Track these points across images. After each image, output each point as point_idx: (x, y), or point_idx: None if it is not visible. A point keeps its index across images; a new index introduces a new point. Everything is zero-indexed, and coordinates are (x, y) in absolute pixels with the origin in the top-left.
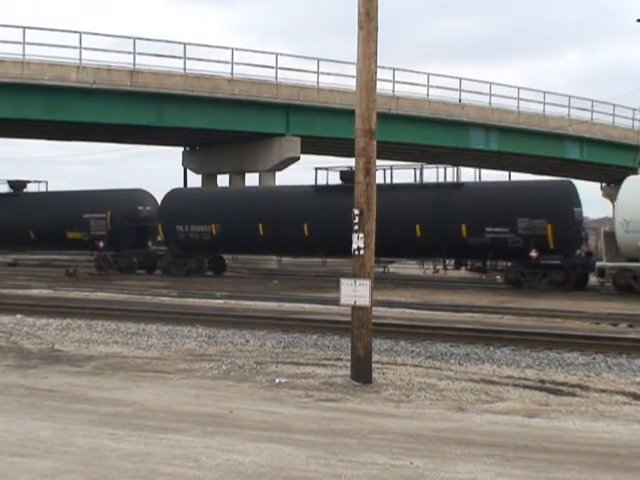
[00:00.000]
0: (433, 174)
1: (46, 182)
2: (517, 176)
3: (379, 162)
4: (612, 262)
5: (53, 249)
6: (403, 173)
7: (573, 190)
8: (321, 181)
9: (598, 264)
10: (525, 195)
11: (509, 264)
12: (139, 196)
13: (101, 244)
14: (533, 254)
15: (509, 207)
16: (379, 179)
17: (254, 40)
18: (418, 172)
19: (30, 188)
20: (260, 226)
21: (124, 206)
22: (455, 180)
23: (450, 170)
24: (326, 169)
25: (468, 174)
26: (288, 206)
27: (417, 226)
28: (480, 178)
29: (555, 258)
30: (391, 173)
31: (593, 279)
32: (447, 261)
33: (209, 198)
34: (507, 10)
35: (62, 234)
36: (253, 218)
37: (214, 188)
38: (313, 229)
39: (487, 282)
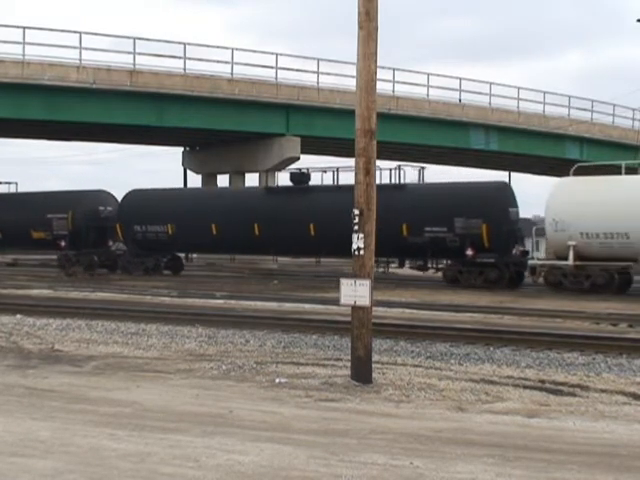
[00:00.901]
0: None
1: (16, 183)
2: (517, 176)
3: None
4: (543, 260)
5: (20, 249)
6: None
7: (508, 191)
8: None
9: (530, 262)
10: (462, 196)
11: (448, 262)
12: (100, 197)
13: (63, 243)
14: (469, 252)
15: (447, 208)
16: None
17: (254, 40)
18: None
19: (0, 189)
20: (213, 226)
21: (85, 206)
22: (399, 181)
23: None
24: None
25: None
26: (240, 207)
27: None
28: (423, 180)
29: (490, 256)
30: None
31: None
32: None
33: (165, 199)
34: (507, 10)
35: (27, 234)
36: (207, 218)
37: (170, 189)
38: (264, 229)
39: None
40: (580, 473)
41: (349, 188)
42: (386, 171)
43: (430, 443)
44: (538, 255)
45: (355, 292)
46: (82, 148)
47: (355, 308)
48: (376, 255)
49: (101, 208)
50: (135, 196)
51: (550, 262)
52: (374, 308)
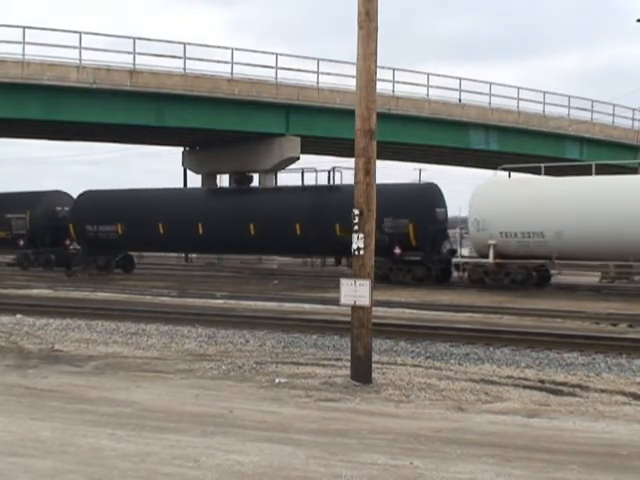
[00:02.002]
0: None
1: None
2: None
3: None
4: (466, 258)
5: None
6: (401, 173)
7: (436, 192)
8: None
9: (454, 260)
10: (390, 197)
11: (379, 260)
12: (58, 197)
13: (21, 242)
14: (397, 251)
15: (376, 208)
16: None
17: (254, 40)
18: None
19: None
20: (160, 225)
21: (43, 207)
22: (332, 183)
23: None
24: (218, 173)
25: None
26: (185, 207)
27: (297, 225)
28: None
29: (416, 255)
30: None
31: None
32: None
33: (115, 199)
34: (507, 10)
35: None
36: (154, 218)
37: (120, 190)
38: (207, 228)
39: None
40: (580, 473)
41: (288, 189)
42: (323, 173)
43: (430, 443)
44: (464, 253)
45: (355, 292)
46: (82, 148)
47: (355, 308)
48: (312, 253)
49: (58, 208)
50: (88, 197)
51: (473, 260)
52: (374, 308)
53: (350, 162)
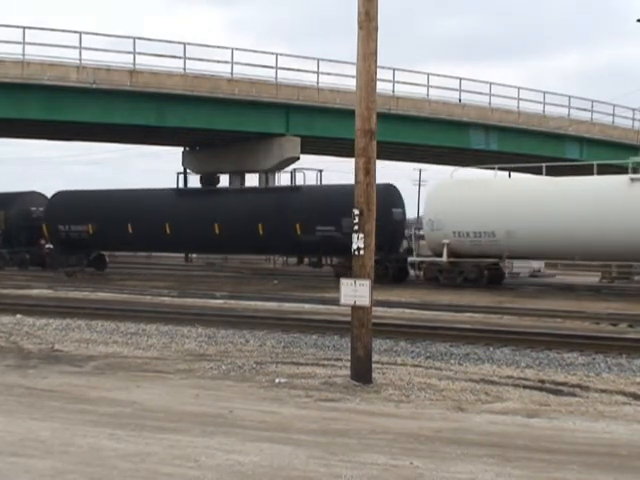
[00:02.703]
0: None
1: None
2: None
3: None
4: (421, 257)
5: None
6: (401, 173)
7: (393, 193)
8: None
9: (410, 259)
10: (349, 197)
11: (338, 259)
12: (33, 198)
13: None
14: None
15: (335, 208)
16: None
17: (254, 40)
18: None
19: None
20: (129, 225)
21: (18, 207)
22: (294, 184)
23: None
24: (185, 174)
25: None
26: (152, 207)
27: (260, 225)
28: (321, 182)
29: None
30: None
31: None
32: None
33: (86, 200)
34: (507, 10)
35: None
36: (123, 218)
37: (91, 191)
38: (174, 228)
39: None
40: (580, 473)
41: (251, 190)
42: (286, 174)
43: (430, 443)
44: (420, 252)
45: (355, 292)
46: (82, 148)
47: (355, 308)
48: (274, 253)
49: (33, 209)
50: (61, 197)
51: (429, 259)
52: (374, 308)
53: (350, 162)
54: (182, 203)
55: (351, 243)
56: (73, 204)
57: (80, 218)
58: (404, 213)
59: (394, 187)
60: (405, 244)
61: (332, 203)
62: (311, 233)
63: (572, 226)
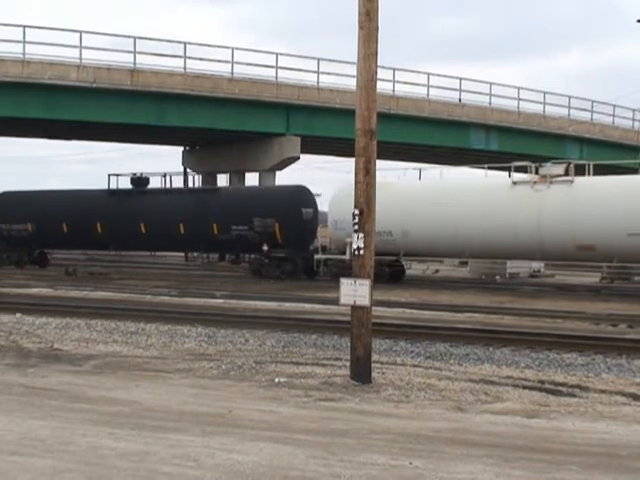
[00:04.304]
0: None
1: None
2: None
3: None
4: (326, 255)
5: None
6: (399, 173)
7: (304, 194)
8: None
9: (316, 257)
10: (260, 198)
11: (253, 257)
12: None
13: None
14: (264, 248)
15: (248, 209)
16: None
17: (254, 40)
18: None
19: None
20: (64, 225)
21: None
22: (213, 185)
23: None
24: (117, 175)
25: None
26: (85, 207)
27: (181, 225)
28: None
29: (283, 252)
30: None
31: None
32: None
33: (26, 200)
34: (507, 10)
35: None
36: (58, 217)
37: (31, 191)
38: (105, 227)
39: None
40: (579, 473)
41: (174, 191)
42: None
43: (429, 443)
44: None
45: (355, 292)
46: (82, 147)
47: (355, 308)
48: (195, 250)
49: None
50: (5, 197)
51: (333, 257)
52: (374, 308)
53: (349, 162)
54: (112, 203)
55: (262, 241)
56: (15, 204)
57: (20, 217)
58: (315, 213)
59: (306, 188)
60: (317, 242)
61: (245, 204)
62: (227, 232)
63: (460, 226)
